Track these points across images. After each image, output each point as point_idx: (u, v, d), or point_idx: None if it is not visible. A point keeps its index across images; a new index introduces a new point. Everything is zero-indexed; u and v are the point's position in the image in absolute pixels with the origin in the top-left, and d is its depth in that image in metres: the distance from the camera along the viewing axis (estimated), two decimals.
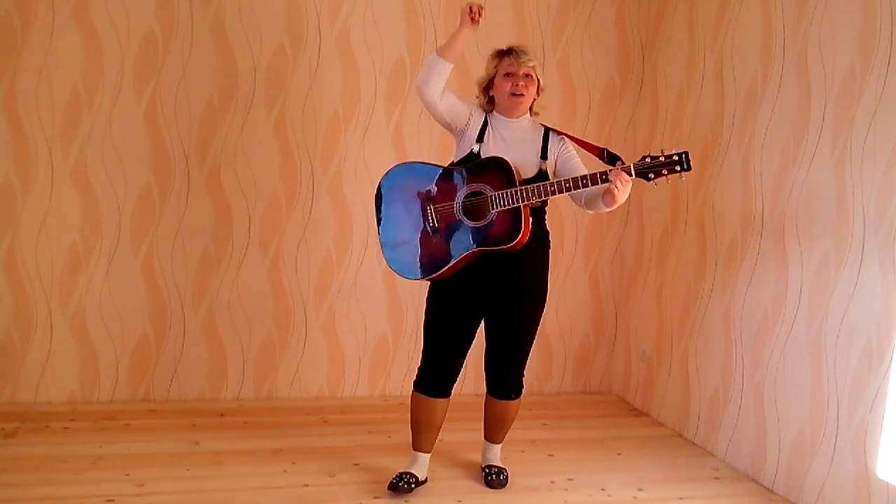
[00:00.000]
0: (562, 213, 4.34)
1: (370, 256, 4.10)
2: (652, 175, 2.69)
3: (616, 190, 2.69)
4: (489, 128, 2.97)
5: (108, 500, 2.82)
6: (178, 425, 3.60)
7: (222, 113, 3.83)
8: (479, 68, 4.05)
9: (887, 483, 2.79)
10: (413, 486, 3.04)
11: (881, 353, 2.83)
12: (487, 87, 3.02)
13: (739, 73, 3.59)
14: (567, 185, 2.75)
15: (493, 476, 3.16)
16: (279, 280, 4.01)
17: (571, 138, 3.02)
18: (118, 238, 3.79)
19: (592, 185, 2.73)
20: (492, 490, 3.13)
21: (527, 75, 2.93)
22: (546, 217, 3.05)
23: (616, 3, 4.30)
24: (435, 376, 3.03)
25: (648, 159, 2.70)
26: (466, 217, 2.85)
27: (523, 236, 2.80)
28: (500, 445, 3.26)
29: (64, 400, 3.80)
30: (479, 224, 2.83)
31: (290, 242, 4.00)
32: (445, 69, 2.88)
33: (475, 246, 2.84)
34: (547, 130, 3.02)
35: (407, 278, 3.00)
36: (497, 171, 2.83)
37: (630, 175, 2.69)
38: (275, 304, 4.02)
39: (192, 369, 3.95)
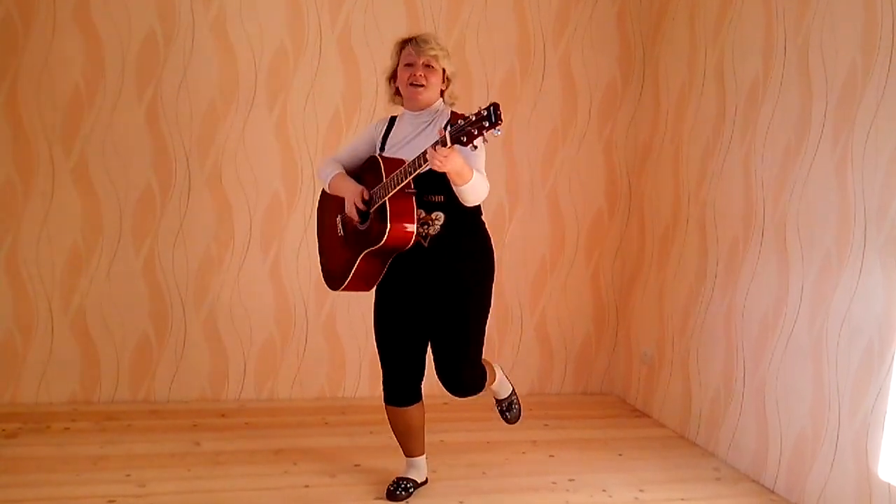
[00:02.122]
0: (563, 213, 4.34)
1: None
2: (464, 139, 2.36)
3: (437, 166, 2.44)
4: (393, 130, 2.87)
5: (110, 501, 2.82)
6: (179, 426, 3.60)
7: (223, 113, 3.83)
8: (481, 72, 4.10)
9: (889, 484, 2.79)
10: (411, 490, 3.03)
11: (882, 353, 2.83)
12: (392, 78, 2.89)
13: (740, 73, 3.59)
14: (402, 174, 2.58)
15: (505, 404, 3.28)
16: (280, 280, 4.01)
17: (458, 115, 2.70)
18: (119, 238, 3.79)
19: (420, 166, 2.52)
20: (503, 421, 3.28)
21: (427, 65, 2.76)
22: (479, 214, 2.88)
23: (617, 3, 4.30)
24: (397, 386, 2.98)
25: (460, 121, 2.38)
26: (361, 222, 2.79)
27: (392, 232, 2.63)
28: (496, 382, 3.19)
29: (65, 400, 3.81)
30: (364, 227, 2.77)
31: (292, 243, 4.00)
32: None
33: (364, 248, 2.75)
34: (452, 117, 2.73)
35: (333, 290, 2.98)
36: (371, 169, 2.76)
37: (445, 145, 2.41)
38: (276, 304, 4.02)
39: (193, 370, 3.95)
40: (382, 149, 2.86)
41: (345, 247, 2.88)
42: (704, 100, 3.84)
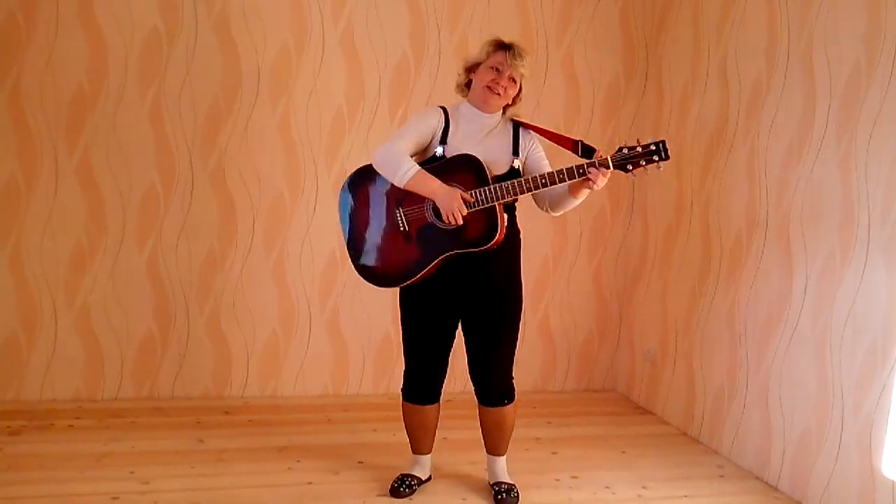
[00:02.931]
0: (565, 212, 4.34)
1: None
2: (630, 167, 2.59)
3: (594, 186, 2.61)
4: (452, 126, 2.80)
5: (114, 498, 2.82)
6: (182, 423, 3.61)
7: (227, 111, 3.84)
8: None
9: (892, 481, 2.79)
10: (415, 487, 3.03)
11: (886, 350, 2.83)
12: (470, 69, 2.86)
13: (744, 72, 3.59)
14: (543, 181, 2.63)
15: (504, 495, 3.00)
16: (283, 278, 4.01)
17: (544, 131, 2.87)
18: (123, 236, 3.79)
19: (569, 179, 2.62)
20: None
21: (511, 78, 2.77)
22: (516, 214, 2.91)
23: (620, 1, 4.30)
24: (420, 384, 2.96)
25: (626, 150, 2.59)
26: (438, 219, 2.70)
27: (500, 236, 2.69)
28: (505, 458, 3.11)
29: (69, 398, 3.81)
30: (452, 226, 2.68)
31: (295, 240, 4.00)
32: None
33: (450, 249, 2.71)
34: (517, 125, 2.88)
35: (380, 287, 2.86)
36: (468, 169, 2.69)
37: (608, 168, 2.60)
38: (279, 302, 4.03)
39: (196, 367, 3.95)
40: (443, 142, 2.78)
41: (411, 244, 2.76)
42: (707, 98, 3.84)
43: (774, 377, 3.33)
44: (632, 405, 4.35)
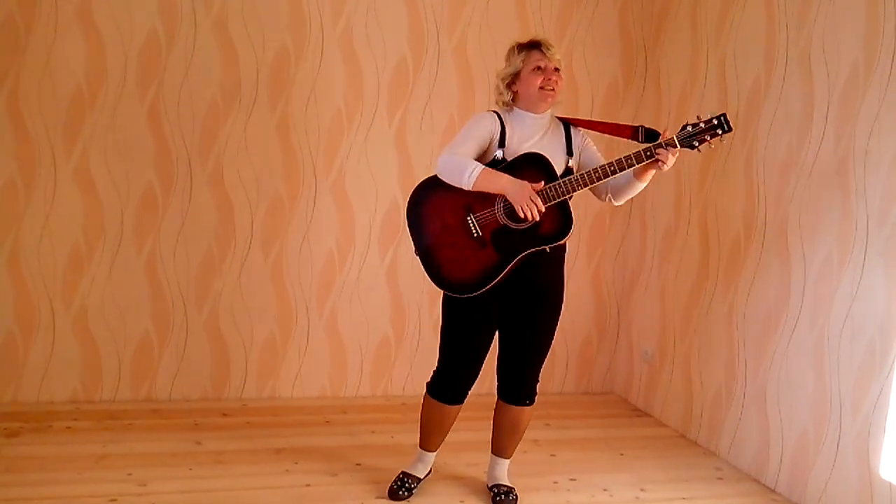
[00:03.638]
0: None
1: (372, 256, 4.10)
2: (696, 143, 2.65)
3: (664, 167, 2.65)
4: (508, 129, 2.81)
5: (111, 500, 2.82)
6: (180, 425, 3.61)
7: (225, 112, 3.84)
8: (480, 65, 4.10)
9: (890, 483, 2.79)
10: (413, 490, 3.03)
11: (884, 353, 2.83)
12: (511, 83, 2.84)
13: (742, 73, 3.59)
14: (612, 168, 2.65)
15: (503, 496, 3.00)
16: (281, 280, 4.01)
17: (600, 124, 2.94)
18: (121, 237, 3.79)
19: (639, 163, 2.65)
20: None
21: (557, 70, 2.82)
22: None
23: (619, 3, 4.30)
24: (451, 385, 2.95)
25: (689, 128, 2.66)
26: (511, 220, 2.72)
27: (572, 228, 2.73)
28: (509, 462, 3.11)
29: (67, 399, 3.81)
30: (527, 224, 2.69)
31: (293, 242, 4.00)
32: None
33: (528, 247, 2.72)
34: (567, 124, 2.92)
35: (462, 296, 2.79)
36: (535, 166, 2.70)
37: (675, 147, 2.65)
38: (277, 303, 4.02)
39: (194, 369, 3.95)
40: (502, 145, 2.78)
41: (487, 249, 2.75)
42: (706, 100, 3.84)
43: (772, 379, 3.33)
44: (630, 407, 4.35)
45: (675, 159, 2.67)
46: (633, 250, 4.45)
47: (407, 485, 3.02)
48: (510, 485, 3.08)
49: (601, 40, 4.30)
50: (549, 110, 2.88)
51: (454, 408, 2.99)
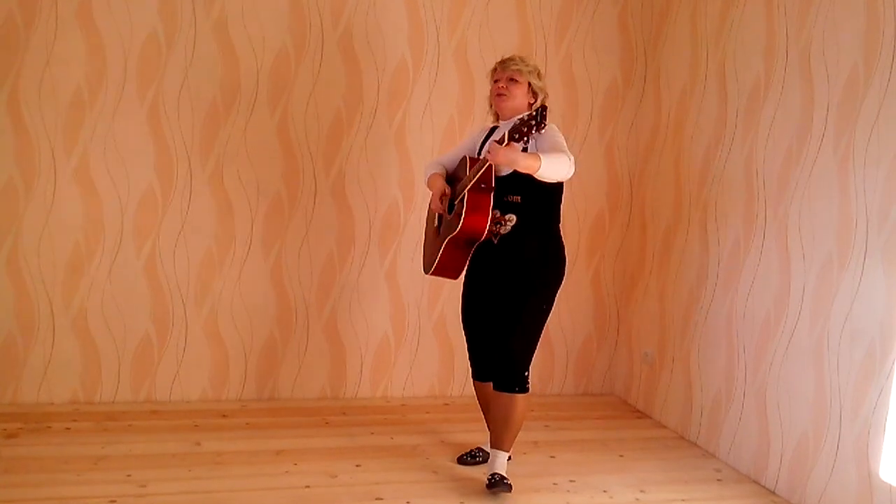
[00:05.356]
0: (563, 214, 4.32)
1: (372, 257, 4.10)
2: (517, 135, 2.72)
3: (490, 157, 2.79)
4: (489, 138, 3.16)
5: (111, 501, 2.82)
6: (179, 426, 3.60)
7: (225, 113, 3.84)
8: (480, 66, 4.10)
9: (890, 485, 2.78)
10: (479, 459, 3.33)
11: (884, 354, 2.83)
12: (490, 100, 3.21)
13: (742, 74, 3.59)
14: (475, 170, 2.91)
15: (494, 479, 3.03)
16: (281, 280, 4.01)
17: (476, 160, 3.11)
18: (121, 238, 3.79)
19: (481, 167, 2.87)
20: (491, 491, 3.03)
21: (510, 79, 3.07)
22: (554, 222, 3.14)
23: (619, 4, 4.30)
24: (474, 362, 3.32)
25: (517, 121, 2.74)
26: (448, 214, 3.14)
27: (466, 221, 2.92)
28: (507, 457, 3.14)
29: (66, 400, 3.81)
30: (448, 217, 3.12)
31: (293, 243, 4.00)
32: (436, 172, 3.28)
33: (446, 237, 3.07)
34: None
35: (424, 273, 3.37)
36: (461, 168, 3.12)
37: (500, 144, 2.77)
38: (277, 304, 4.02)
39: (194, 370, 3.95)
40: (479, 152, 3.16)
41: (437, 237, 3.24)
42: (706, 101, 3.84)
43: (772, 381, 3.33)
44: (629, 409, 4.35)
45: (502, 152, 2.74)
46: (633, 251, 4.45)
47: (473, 453, 3.36)
48: (505, 474, 3.08)
49: (601, 41, 4.30)
50: (516, 115, 3.03)
51: (479, 384, 3.34)
